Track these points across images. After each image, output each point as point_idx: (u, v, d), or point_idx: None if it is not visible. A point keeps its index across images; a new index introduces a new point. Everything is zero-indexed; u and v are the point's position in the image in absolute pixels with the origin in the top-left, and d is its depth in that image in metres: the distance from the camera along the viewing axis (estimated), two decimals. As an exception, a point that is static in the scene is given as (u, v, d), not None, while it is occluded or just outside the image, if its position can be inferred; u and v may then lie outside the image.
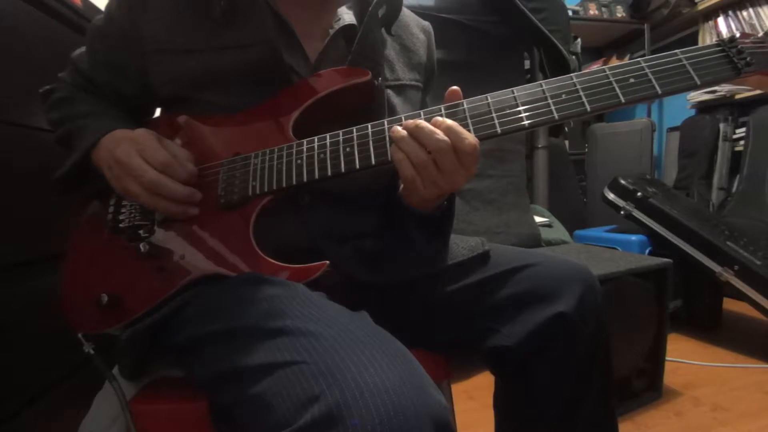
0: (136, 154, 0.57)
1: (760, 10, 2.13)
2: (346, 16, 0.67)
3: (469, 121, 0.53)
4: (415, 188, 0.53)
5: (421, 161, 0.51)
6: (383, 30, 0.69)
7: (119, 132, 0.61)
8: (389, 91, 0.67)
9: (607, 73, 0.51)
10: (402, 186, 0.61)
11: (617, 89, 0.50)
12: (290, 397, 0.37)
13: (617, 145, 2.31)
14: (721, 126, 2.18)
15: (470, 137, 0.51)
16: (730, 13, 2.23)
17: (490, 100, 0.53)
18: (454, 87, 0.55)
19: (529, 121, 0.51)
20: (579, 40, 2.20)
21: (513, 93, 0.53)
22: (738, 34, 0.51)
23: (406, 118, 0.54)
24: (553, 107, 0.51)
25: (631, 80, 0.50)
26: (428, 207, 0.60)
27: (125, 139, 0.59)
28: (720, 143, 2.18)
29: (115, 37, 0.65)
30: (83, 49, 0.70)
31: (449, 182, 0.53)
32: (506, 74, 1.81)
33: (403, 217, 0.63)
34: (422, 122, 0.51)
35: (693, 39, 2.40)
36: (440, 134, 0.50)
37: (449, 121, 0.51)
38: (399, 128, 0.52)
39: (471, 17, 1.74)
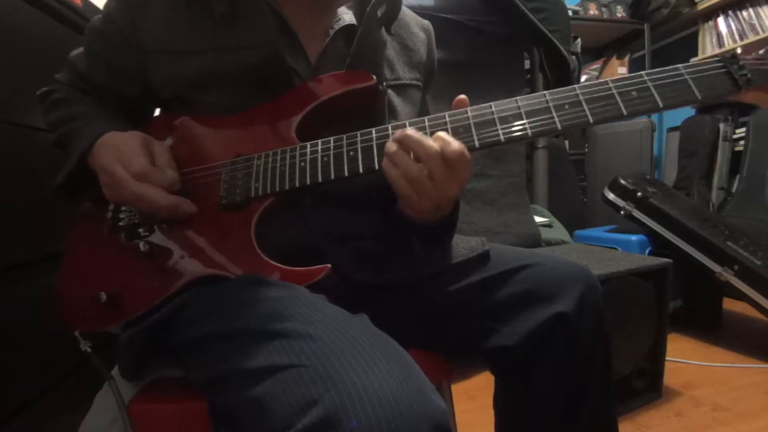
0: (117, 162, 0.56)
1: (760, 10, 2.13)
2: (346, 16, 0.67)
3: (473, 129, 0.53)
4: (411, 202, 0.54)
5: (415, 175, 0.51)
6: (383, 29, 0.69)
7: (108, 137, 0.60)
8: (390, 91, 0.67)
9: (610, 85, 0.52)
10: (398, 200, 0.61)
11: (619, 101, 0.51)
12: (289, 401, 0.37)
13: (617, 145, 2.31)
14: (721, 126, 2.18)
15: (455, 142, 0.51)
16: (730, 13, 2.23)
17: (494, 109, 0.53)
18: (462, 96, 0.55)
19: (532, 131, 0.52)
20: (579, 40, 2.20)
21: (517, 102, 0.53)
22: (740, 50, 0.52)
23: (411, 124, 0.54)
24: (556, 118, 0.52)
25: (633, 93, 0.51)
26: (426, 218, 0.59)
27: (109, 146, 0.58)
28: (720, 143, 2.18)
29: (113, 37, 0.65)
30: (81, 49, 0.69)
31: (442, 193, 0.52)
32: (506, 74, 1.82)
33: (403, 227, 0.62)
34: (410, 130, 0.52)
35: (693, 39, 2.40)
36: (429, 140, 0.51)
37: (438, 132, 0.52)
38: (390, 143, 0.53)
39: (471, 17, 1.74)
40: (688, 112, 2.43)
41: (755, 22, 2.15)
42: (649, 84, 0.51)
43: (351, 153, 0.55)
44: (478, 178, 1.69)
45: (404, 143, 0.52)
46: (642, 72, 0.52)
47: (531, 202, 1.88)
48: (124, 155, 0.57)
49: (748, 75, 0.50)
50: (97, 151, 0.59)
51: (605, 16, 2.56)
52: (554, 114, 0.52)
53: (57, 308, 0.62)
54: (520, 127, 0.52)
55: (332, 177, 0.55)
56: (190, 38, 0.61)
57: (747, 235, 1.54)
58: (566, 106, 0.52)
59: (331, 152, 0.56)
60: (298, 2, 0.65)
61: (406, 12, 0.75)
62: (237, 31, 0.61)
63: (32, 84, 0.72)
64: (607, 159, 2.32)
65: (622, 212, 1.69)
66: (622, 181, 1.71)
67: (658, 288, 1.23)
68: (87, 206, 0.69)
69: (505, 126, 0.52)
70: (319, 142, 0.57)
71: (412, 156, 0.51)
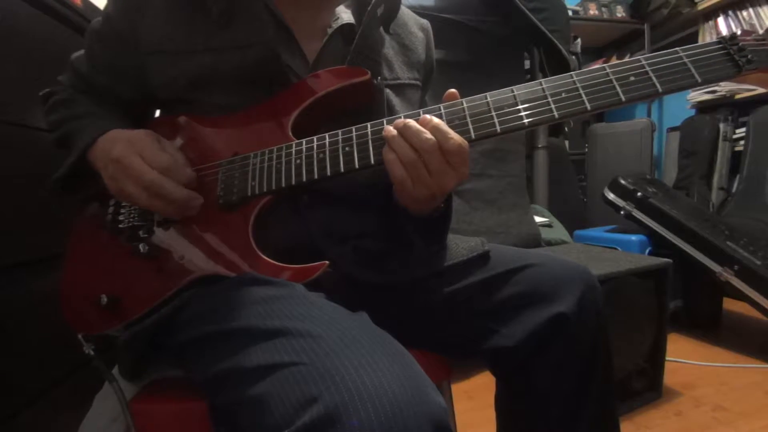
0: (136, 154, 0.56)
1: (760, 10, 2.13)
2: (344, 15, 0.67)
3: (468, 120, 0.52)
4: (405, 188, 0.53)
5: (411, 161, 0.51)
6: (381, 29, 0.69)
7: (115, 132, 0.60)
8: (388, 91, 0.67)
9: (608, 71, 0.51)
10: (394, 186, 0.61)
11: (618, 87, 0.50)
12: (289, 399, 0.37)
13: (617, 145, 2.31)
14: (721, 126, 2.18)
15: (456, 137, 0.51)
16: (730, 13, 2.23)
17: (489, 99, 0.53)
18: (452, 90, 0.55)
19: (528, 120, 0.51)
20: (579, 40, 2.20)
21: (513, 92, 0.52)
22: (739, 32, 0.51)
23: (406, 117, 0.54)
24: (553, 106, 0.51)
25: (632, 78, 0.50)
26: (421, 209, 0.60)
27: (122, 140, 0.58)
28: (720, 143, 2.18)
29: (113, 38, 0.65)
30: (83, 51, 0.70)
31: (438, 183, 0.52)
32: (506, 74, 1.81)
33: (399, 219, 0.63)
34: (410, 121, 0.52)
35: (693, 39, 2.40)
36: (427, 133, 0.51)
37: (436, 120, 0.51)
38: (390, 128, 0.53)
39: (471, 17, 1.74)
40: (688, 111, 2.43)
41: (755, 22, 2.15)
42: (648, 69, 0.50)
43: (346, 149, 0.55)
44: (478, 178, 1.69)
45: (403, 133, 0.51)
46: (640, 57, 0.51)
47: (531, 202, 1.88)
48: (144, 148, 0.57)
49: (749, 56, 0.49)
50: (104, 145, 0.59)
51: (605, 16, 2.56)
52: (551, 102, 0.51)
53: (57, 309, 0.62)
54: (516, 116, 0.51)
55: (328, 173, 0.55)
56: (187, 38, 0.61)
57: (747, 235, 1.53)
58: (563, 94, 0.51)
59: (327, 148, 0.56)
60: (296, 1, 0.65)
61: (404, 11, 0.75)
62: (234, 30, 0.61)
63: (32, 83, 0.72)
64: (607, 159, 2.33)
65: (622, 212, 1.69)
66: (622, 181, 1.71)
67: (658, 288, 1.23)
68: (87, 208, 0.69)
69: (501, 115, 0.52)
70: (315, 138, 0.57)
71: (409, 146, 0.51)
